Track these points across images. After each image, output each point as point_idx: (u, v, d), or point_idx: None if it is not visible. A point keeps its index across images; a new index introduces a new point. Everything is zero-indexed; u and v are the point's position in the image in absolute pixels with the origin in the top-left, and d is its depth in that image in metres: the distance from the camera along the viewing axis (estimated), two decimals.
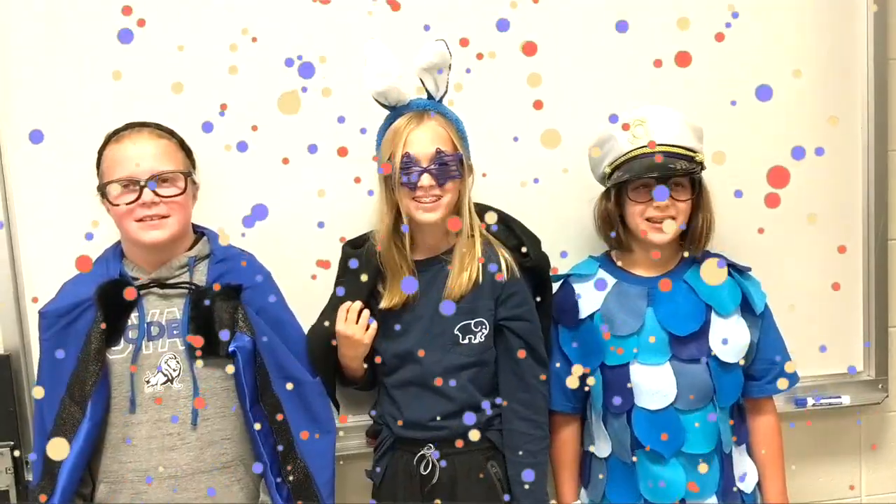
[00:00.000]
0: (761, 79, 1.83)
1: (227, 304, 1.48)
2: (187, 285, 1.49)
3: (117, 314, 1.45)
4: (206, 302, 1.46)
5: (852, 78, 1.96)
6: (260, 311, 1.52)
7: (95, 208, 1.57)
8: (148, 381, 1.46)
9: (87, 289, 1.46)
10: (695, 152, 1.57)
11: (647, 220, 1.58)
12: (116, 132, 1.49)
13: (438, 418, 1.55)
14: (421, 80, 1.52)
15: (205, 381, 1.47)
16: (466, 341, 1.56)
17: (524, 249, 1.59)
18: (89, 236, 1.61)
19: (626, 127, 1.57)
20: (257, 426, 1.47)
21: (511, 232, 1.62)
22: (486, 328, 1.56)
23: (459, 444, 1.51)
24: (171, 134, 1.51)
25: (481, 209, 1.60)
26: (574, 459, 1.72)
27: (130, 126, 1.49)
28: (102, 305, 1.43)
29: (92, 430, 1.44)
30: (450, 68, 1.51)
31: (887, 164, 1.98)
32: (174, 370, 1.47)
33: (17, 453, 1.68)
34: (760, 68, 1.88)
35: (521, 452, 1.55)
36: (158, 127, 1.51)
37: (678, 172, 1.54)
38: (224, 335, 1.45)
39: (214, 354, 1.46)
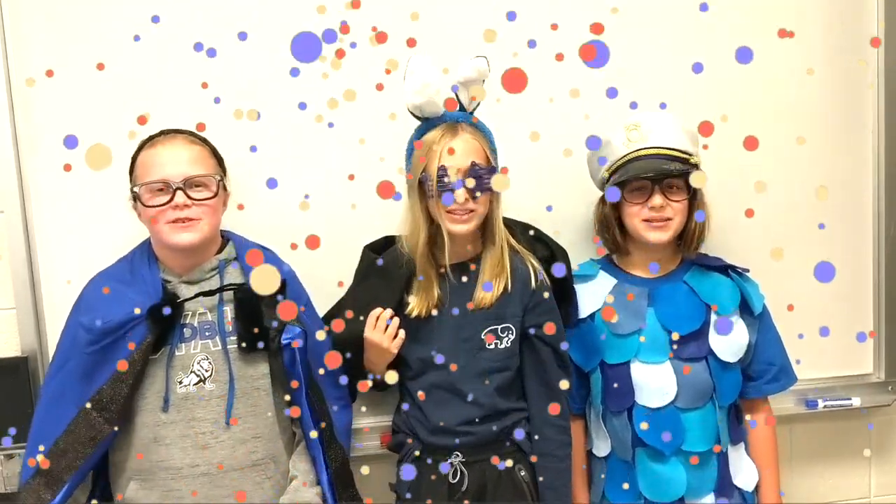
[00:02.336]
0: (768, 80, 1.87)
1: (272, 298, 1.49)
2: (232, 287, 1.52)
3: (164, 329, 1.47)
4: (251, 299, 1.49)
5: (863, 81, 1.96)
6: (298, 303, 1.56)
7: (113, 212, 1.59)
8: (180, 382, 1.49)
9: (130, 303, 1.46)
10: (689, 155, 1.59)
11: (644, 221, 1.60)
12: (151, 138, 1.51)
13: (465, 424, 1.56)
14: (456, 92, 1.53)
15: (237, 381, 1.50)
16: (493, 346, 1.57)
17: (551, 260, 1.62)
18: (107, 240, 1.64)
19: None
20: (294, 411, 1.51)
21: (544, 244, 1.65)
22: (512, 334, 1.58)
23: (496, 460, 1.55)
24: (203, 141, 1.54)
25: (513, 223, 1.64)
26: (582, 459, 1.74)
27: (164, 133, 1.53)
28: (157, 328, 1.45)
29: (112, 439, 1.47)
30: (484, 83, 1.51)
31: None
32: (206, 371, 1.50)
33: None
34: (768, 70, 1.88)
35: (550, 457, 1.58)
36: (192, 134, 1.54)
37: (673, 173, 1.57)
38: (273, 326, 1.49)
39: (264, 348, 1.50)
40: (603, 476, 1.69)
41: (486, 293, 1.55)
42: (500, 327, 1.57)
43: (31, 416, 1.67)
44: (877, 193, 1.99)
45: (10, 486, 1.71)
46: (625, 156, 1.60)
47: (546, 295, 1.59)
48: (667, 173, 1.56)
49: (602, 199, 1.69)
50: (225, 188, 1.56)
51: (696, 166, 1.59)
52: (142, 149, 1.52)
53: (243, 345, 1.50)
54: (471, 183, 1.48)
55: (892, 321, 2.02)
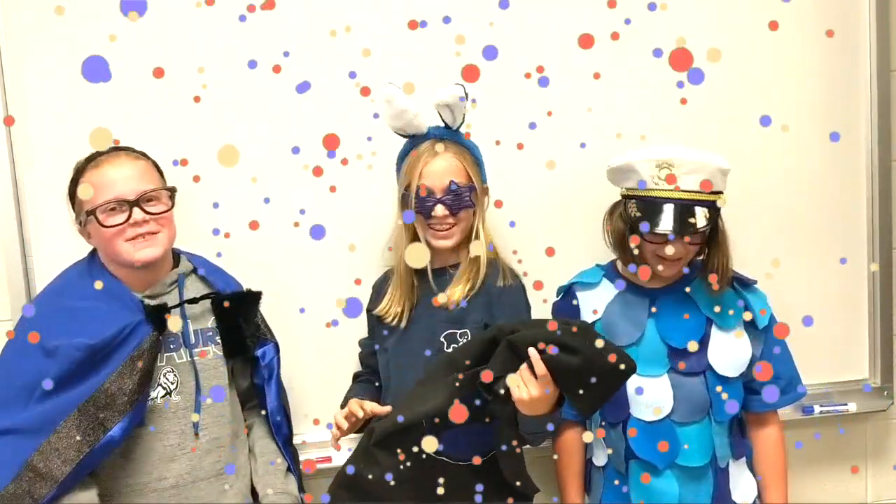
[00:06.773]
0: (766, 94, 1.88)
1: (247, 308, 1.56)
2: (212, 294, 1.55)
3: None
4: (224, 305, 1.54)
5: (855, 89, 1.96)
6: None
7: None
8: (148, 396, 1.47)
9: (118, 318, 1.43)
10: (718, 194, 1.53)
11: (658, 256, 1.56)
12: (91, 159, 1.48)
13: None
14: (438, 111, 1.57)
15: (202, 392, 1.51)
16: (450, 350, 1.56)
17: None
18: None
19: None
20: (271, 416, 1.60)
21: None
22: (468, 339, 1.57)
23: (477, 460, 1.45)
24: (145, 156, 1.53)
25: None
26: (580, 467, 1.72)
27: (104, 152, 1.48)
28: (158, 325, 1.45)
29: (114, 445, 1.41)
30: (465, 102, 1.55)
31: (891, 173, 1.98)
32: (172, 383, 1.49)
33: None
34: (765, 84, 1.90)
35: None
36: (132, 150, 1.52)
37: (698, 230, 1.51)
38: (248, 337, 1.56)
39: (241, 355, 1.55)
40: (599, 485, 1.68)
41: (455, 289, 1.57)
42: (458, 332, 1.57)
43: None
44: (870, 202, 1.99)
45: None
46: (652, 190, 1.54)
47: (516, 295, 1.60)
48: (688, 232, 1.50)
49: (616, 212, 1.63)
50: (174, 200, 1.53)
51: (718, 210, 1.54)
52: (83, 170, 1.48)
53: (222, 353, 1.54)
54: (449, 200, 1.53)
55: (886, 327, 2.02)
